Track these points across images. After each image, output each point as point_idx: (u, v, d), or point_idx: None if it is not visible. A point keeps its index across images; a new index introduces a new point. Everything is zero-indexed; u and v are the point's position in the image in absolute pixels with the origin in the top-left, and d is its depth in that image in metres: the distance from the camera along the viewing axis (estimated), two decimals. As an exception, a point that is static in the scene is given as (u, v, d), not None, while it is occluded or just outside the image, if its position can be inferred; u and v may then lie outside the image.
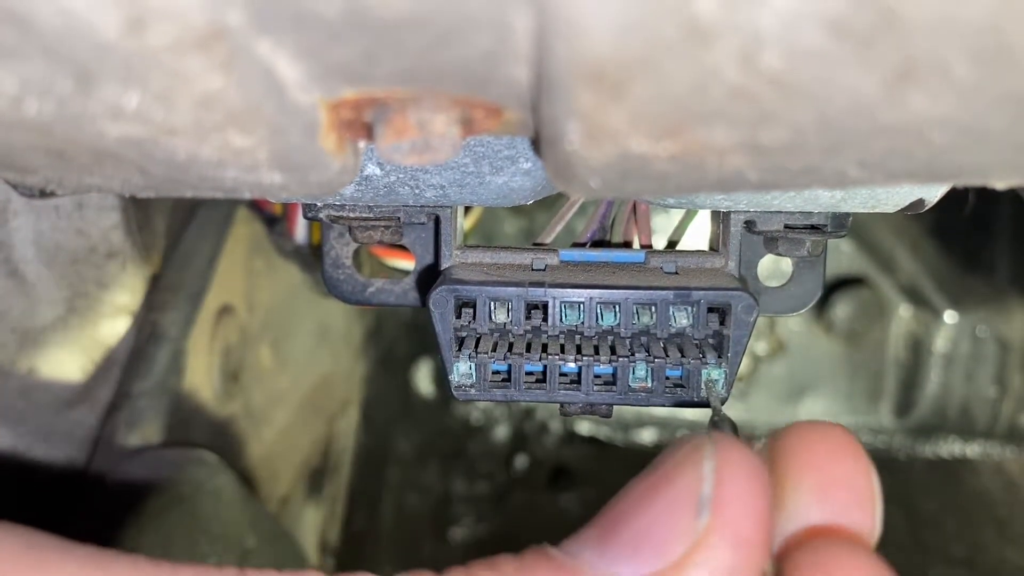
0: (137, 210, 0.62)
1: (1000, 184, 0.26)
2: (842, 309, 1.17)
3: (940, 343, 1.17)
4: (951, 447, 1.19)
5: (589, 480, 1.22)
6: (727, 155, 0.21)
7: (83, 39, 0.16)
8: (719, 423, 0.32)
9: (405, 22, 0.16)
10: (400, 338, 1.20)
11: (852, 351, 1.19)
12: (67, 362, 0.63)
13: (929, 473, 1.19)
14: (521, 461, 1.24)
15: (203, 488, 0.62)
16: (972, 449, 1.19)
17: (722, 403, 0.35)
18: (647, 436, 1.23)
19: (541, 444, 1.25)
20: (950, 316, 1.16)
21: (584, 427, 1.25)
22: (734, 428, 0.32)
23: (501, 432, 1.25)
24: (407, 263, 0.66)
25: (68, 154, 0.23)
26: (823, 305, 1.17)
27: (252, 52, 0.18)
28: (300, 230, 0.72)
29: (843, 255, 1.16)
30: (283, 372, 0.87)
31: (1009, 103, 0.18)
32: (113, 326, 0.64)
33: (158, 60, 0.17)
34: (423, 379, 1.22)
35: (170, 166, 0.23)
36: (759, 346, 1.19)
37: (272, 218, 0.71)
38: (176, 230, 0.69)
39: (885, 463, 1.19)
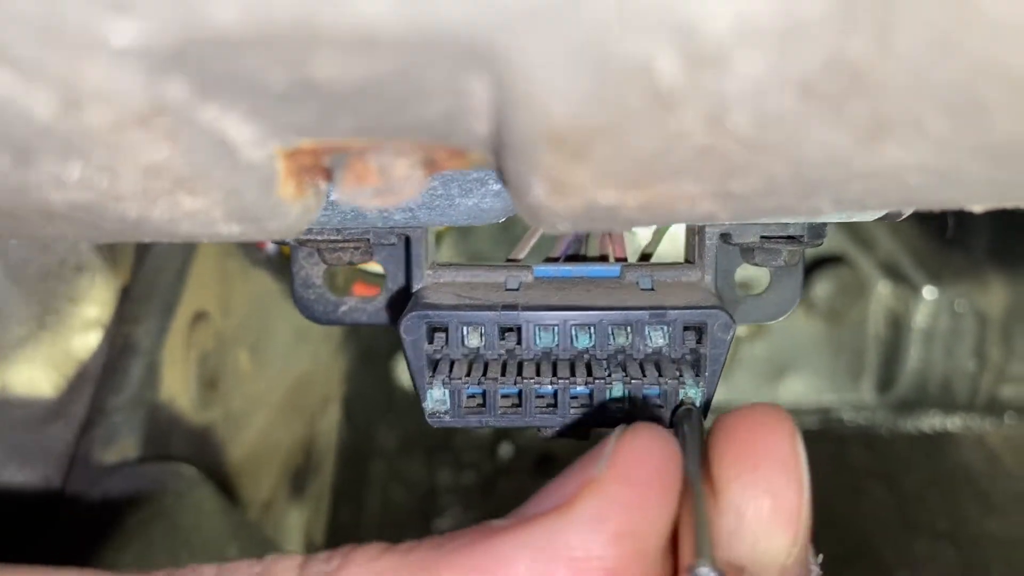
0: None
1: (978, 209, 0.25)
2: (822, 288, 1.17)
3: (919, 319, 1.17)
4: (932, 421, 1.20)
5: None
6: (697, 202, 0.20)
7: (19, 121, 0.15)
8: (683, 414, 0.32)
9: (356, 92, 0.16)
10: (380, 332, 1.19)
11: (833, 329, 1.19)
12: (40, 379, 0.62)
13: (912, 448, 1.20)
14: (506, 450, 1.24)
15: (182, 501, 0.61)
16: (953, 423, 1.19)
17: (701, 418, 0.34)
18: (631, 420, 1.23)
19: (525, 432, 1.25)
20: (929, 292, 1.16)
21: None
22: (700, 417, 0.32)
23: (485, 421, 1.24)
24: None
25: (17, 215, 0.22)
26: (803, 284, 1.17)
27: (198, 121, 0.17)
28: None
29: (821, 234, 1.15)
30: (262, 374, 0.86)
31: (986, 152, 0.18)
32: (85, 340, 0.63)
33: (97, 137, 0.16)
34: (405, 372, 1.21)
35: (122, 223, 0.22)
36: (740, 327, 1.19)
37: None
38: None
39: (868, 439, 1.20)
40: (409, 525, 1.16)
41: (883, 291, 1.17)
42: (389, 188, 0.23)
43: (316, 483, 0.97)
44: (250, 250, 0.73)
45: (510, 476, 1.22)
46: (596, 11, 0.13)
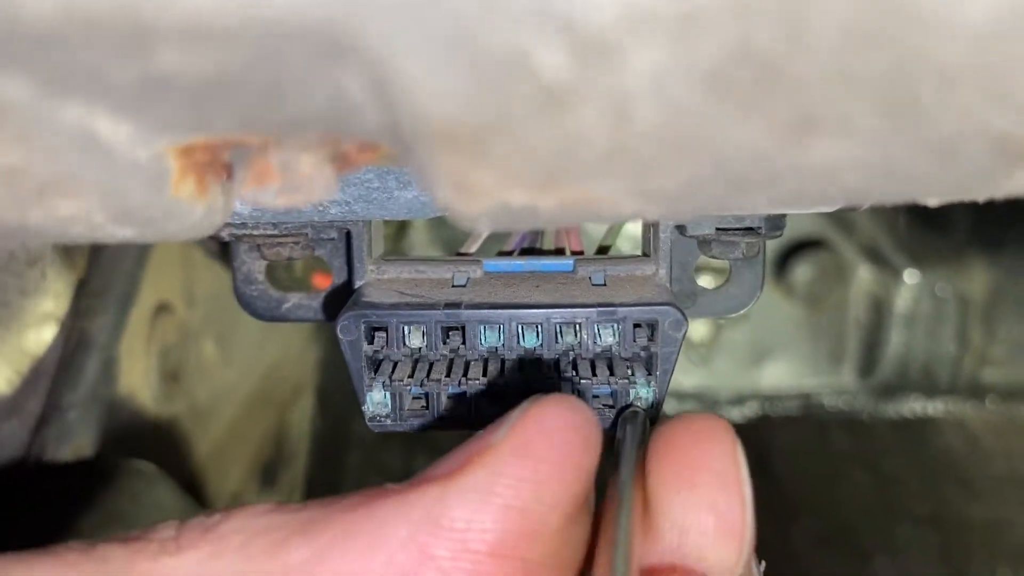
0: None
1: (932, 203, 0.24)
2: (802, 272, 1.16)
3: (901, 303, 1.16)
4: (914, 406, 1.19)
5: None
6: (620, 201, 0.19)
7: None
8: (628, 416, 0.31)
9: (216, 86, 0.14)
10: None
11: (813, 314, 1.18)
12: (-8, 375, 0.60)
13: (893, 432, 1.19)
14: (484, 436, 1.23)
15: (141, 501, 0.59)
16: (935, 407, 1.19)
17: (653, 421, 0.33)
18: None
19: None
20: (910, 276, 1.15)
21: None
22: (645, 421, 0.30)
23: (464, 408, 1.23)
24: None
25: None
26: (783, 269, 1.16)
27: (57, 120, 0.16)
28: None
29: (801, 217, 1.14)
30: (229, 365, 0.84)
31: (927, 148, 0.16)
32: (39, 335, 0.61)
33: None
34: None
35: (4, 229, 0.20)
36: (720, 313, 1.18)
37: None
38: (102, 230, 0.65)
39: (849, 424, 1.19)
40: (386, 515, 1.15)
41: (864, 275, 1.16)
42: (294, 186, 0.21)
43: (288, 474, 0.95)
44: (203, 241, 0.71)
45: (489, 464, 1.21)
46: (458, 1, 0.11)
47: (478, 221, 0.21)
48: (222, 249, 0.72)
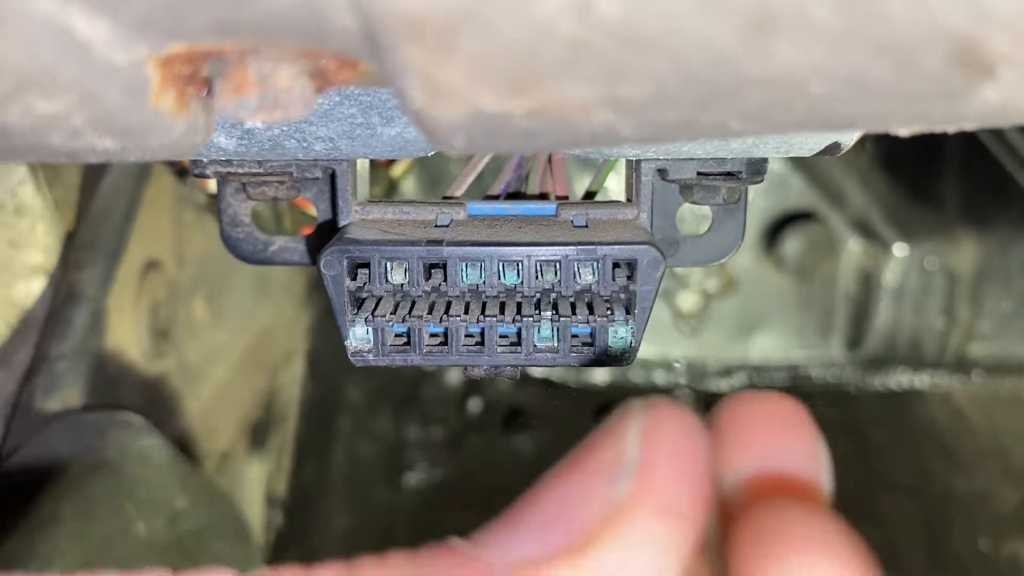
0: (46, 164, 0.59)
1: (903, 132, 0.24)
2: (792, 245, 1.16)
3: (889, 276, 1.16)
4: (900, 378, 1.20)
5: (543, 421, 1.21)
6: (591, 111, 0.19)
7: None
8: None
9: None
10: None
11: (803, 286, 1.19)
12: (-19, 326, 0.60)
13: (879, 405, 1.20)
14: (475, 404, 1.24)
15: (128, 451, 0.60)
16: (921, 380, 1.19)
17: (632, 358, 0.33)
18: (600, 376, 1.22)
19: (494, 387, 1.24)
20: (899, 249, 1.15)
21: (537, 369, 1.24)
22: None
23: (454, 376, 1.24)
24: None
25: None
26: (773, 241, 1.16)
27: (32, 10, 0.16)
28: (212, 181, 0.69)
29: (792, 190, 1.15)
30: (220, 326, 0.84)
31: (885, 52, 0.17)
32: (28, 287, 0.62)
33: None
34: (371, 326, 1.20)
35: (-16, 133, 0.20)
36: (710, 283, 1.19)
37: (182, 170, 0.68)
38: (91, 184, 0.66)
39: (836, 396, 1.20)
40: (376, 479, 1.15)
41: (854, 248, 1.17)
42: (274, 100, 0.22)
43: (278, 437, 0.96)
44: (191, 194, 0.71)
45: (479, 431, 1.22)
46: None
47: (454, 135, 0.21)
48: (209, 203, 0.72)
